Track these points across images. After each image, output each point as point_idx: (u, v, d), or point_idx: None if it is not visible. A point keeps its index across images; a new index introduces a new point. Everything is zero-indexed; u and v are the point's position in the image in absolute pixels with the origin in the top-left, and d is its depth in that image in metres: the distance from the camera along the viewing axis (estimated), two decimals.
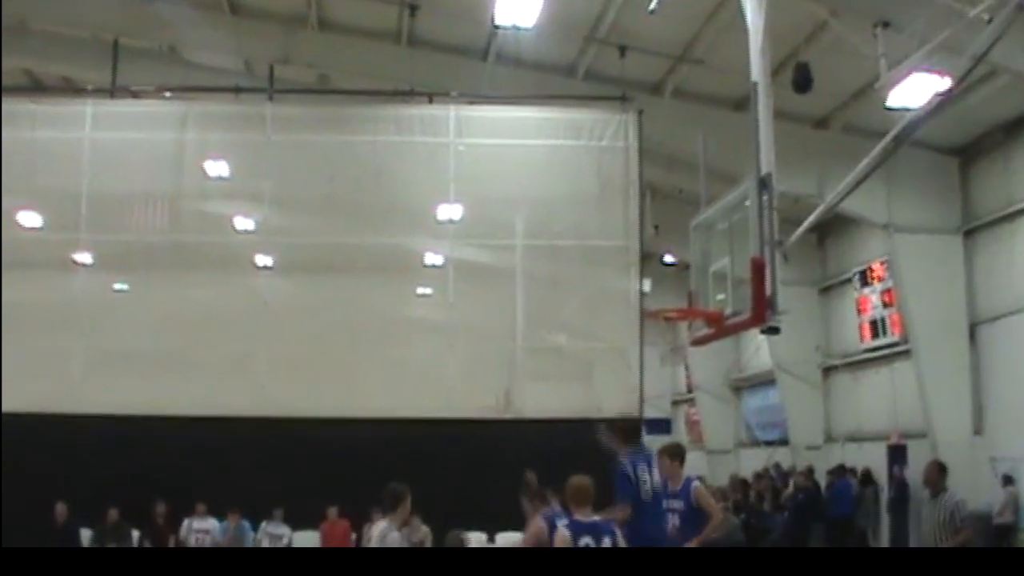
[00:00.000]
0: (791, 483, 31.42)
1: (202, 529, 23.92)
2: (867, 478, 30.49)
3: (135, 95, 26.19)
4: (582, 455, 21.64)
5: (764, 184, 17.22)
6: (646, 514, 14.89)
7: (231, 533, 23.48)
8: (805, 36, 23.84)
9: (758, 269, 17.00)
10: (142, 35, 28.41)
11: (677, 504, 15.59)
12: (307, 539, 23.27)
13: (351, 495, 22.81)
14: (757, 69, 17.89)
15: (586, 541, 11.94)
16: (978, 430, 28.27)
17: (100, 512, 23.28)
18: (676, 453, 16.10)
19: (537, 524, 14.74)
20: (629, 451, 15.50)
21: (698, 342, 22.12)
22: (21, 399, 22.85)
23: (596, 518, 12.23)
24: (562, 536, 12.12)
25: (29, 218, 25.65)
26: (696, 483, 15.96)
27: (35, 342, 23.97)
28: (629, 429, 16.46)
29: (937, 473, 18.54)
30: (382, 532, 13.07)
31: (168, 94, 26.12)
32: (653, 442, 41.14)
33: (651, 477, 15.21)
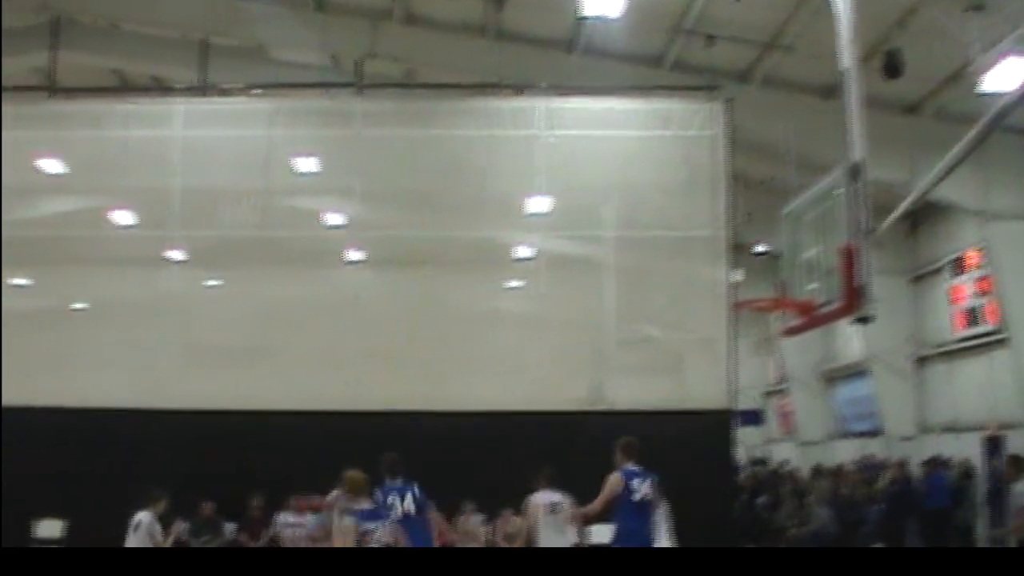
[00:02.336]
0: (884, 475, 31.10)
1: (297, 523, 24.03)
2: (967, 471, 30.11)
3: (224, 93, 26.37)
4: (674, 446, 21.73)
5: (855, 172, 17.09)
6: (632, 519, 16.42)
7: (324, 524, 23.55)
8: (895, 21, 23.60)
9: (849, 258, 16.88)
10: (230, 33, 28.70)
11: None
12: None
13: (442, 488, 22.87)
14: (847, 56, 17.74)
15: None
16: None
17: (195, 506, 23.48)
18: (625, 446, 17.27)
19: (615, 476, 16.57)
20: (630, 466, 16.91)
21: (789, 332, 22.00)
22: (115, 394, 23.15)
23: None
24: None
25: (122, 216, 25.93)
26: (614, 473, 16.95)
27: (129, 338, 24.26)
28: (634, 446, 17.18)
29: (1012, 465, 18.56)
30: None
31: (257, 91, 26.26)
32: (745, 434, 41.11)
33: (643, 488, 16.74)
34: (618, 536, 16.57)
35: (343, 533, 12.76)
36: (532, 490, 19.25)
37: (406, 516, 16.83)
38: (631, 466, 16.95)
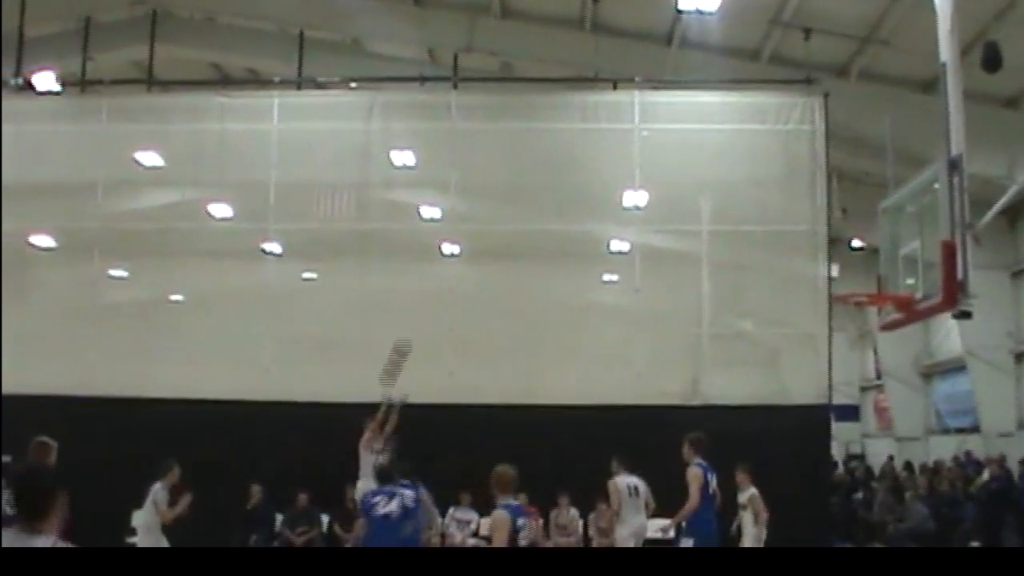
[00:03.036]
0: (983, 472, 30.83)
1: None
2: None
3: (321, 86, 26.62)
4: (770, 441, 21.68)
5: (954, 166, 16.93)
6: (707, 510, 17.48)
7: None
8: (994, 14, 23.38)
9: (949, 252, 16.73)
10: (327, 27, 28.87)
11: None
12: None
13: (538, 481, 22.94)
14: (945, 49, 17.58)
15: None
16: None
17: (291, 497, 23.70)
18: (695, 441, 17.99)
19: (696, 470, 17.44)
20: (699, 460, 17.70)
21: (888, 327, 21.80)
22: (214, 385, 23.42)
23: None
24: None
25: (220, 209, 26.21)
26: (693, 467, 17.70)
27: (227, 330, 24.53)
28: (702, 441, 17.92)
29: None
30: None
31: (353, 85, 26.46)
32: (842, 429, 40.89)
33: (713, 482, 17.68)
34: (695, 527, 17.37)
35: (498, 527, 12.85)
36: (613, 475, 20.14)
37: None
38: (701, 460, 17.71)
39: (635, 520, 19.94)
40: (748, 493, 19.85)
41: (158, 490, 18.82)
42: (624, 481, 20.18)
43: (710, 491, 17.50)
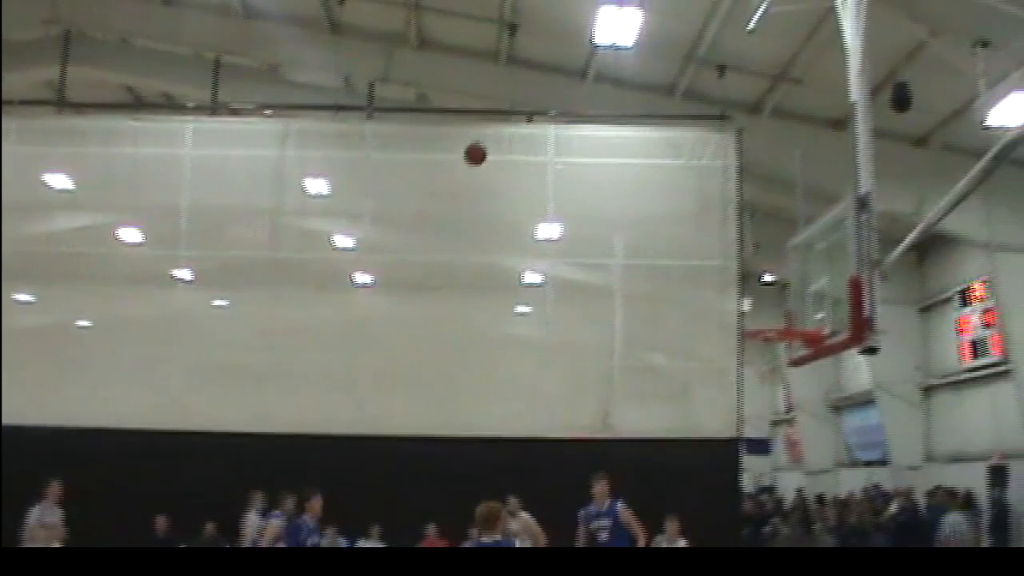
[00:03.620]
0: (892, 504, 31.10)
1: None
2: (967, 501, 30.10)
3: (236, 112, 26.48)
4: (680, 474, 21.80)
5: (863, 203, 17.17)
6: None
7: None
8: (904, 55, 23.69)
9: (857, 289, 16.94)
10: (243, 53, 28.79)
11: (605, 522, 18.25)
12: None
13: (449, 513, 22.91)
14: (856, 88, 17.83)
15: None
16: None
17: (198, 526, 23.49)
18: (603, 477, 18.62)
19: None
20: None
21: (797, 362, 22.02)
22: (123, 414, 23.18)
23: None
24: None
25: (130, 234, 25.98)
26: (620, 503, 18.31)
27: (136, 357, 24.32)
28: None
29: (944, 496, 19.27)
30: None
31: (268, 112, 26.35)
32: (752, 463, 41.11)
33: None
34: None
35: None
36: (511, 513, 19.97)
37: None
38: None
39: None
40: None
41: (38, 511, 18.82)
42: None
43: None
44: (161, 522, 23.15)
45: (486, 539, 12.71)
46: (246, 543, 21.38)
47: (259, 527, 20.90)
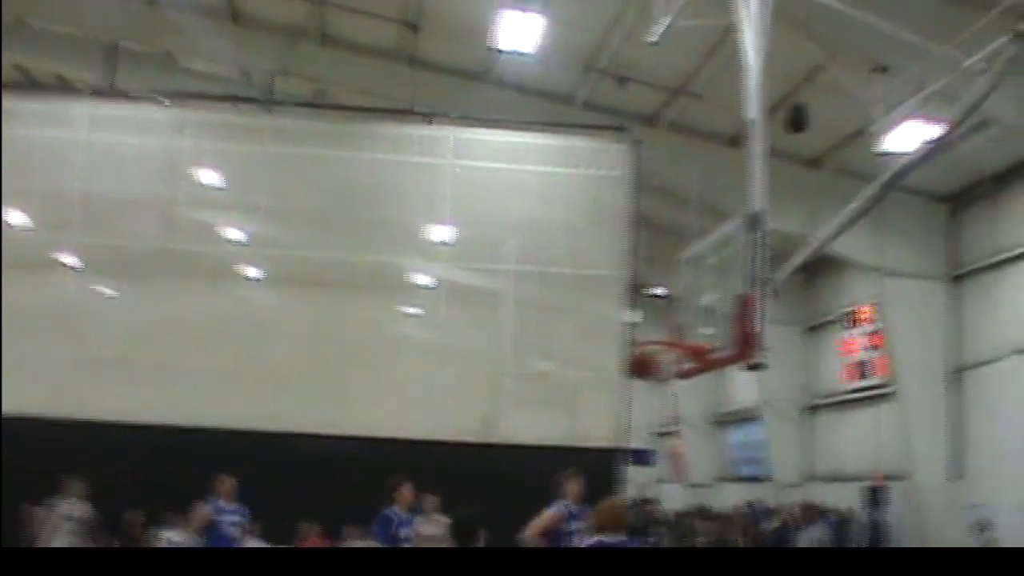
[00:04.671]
0: (771, 519, 31.41)
1: (179, 543, 23.76)
2: (846, 518, 30.47)
3: (132, 99, 26.13)
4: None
5: (755, 221, 17.27)
6: None
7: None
8: (803, 77, 23.97)
9: (745, 305, 17.04)
10: (142, 39, 28.51)
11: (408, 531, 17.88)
12: None
13: (331, 512, 22.82)
14: (753, 107, 17.94)
15: None
16: (957, 475, 28.36)
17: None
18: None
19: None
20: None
21: (683, 375, 22.12)
22: (5, 402, 22.79)
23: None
24: None
25: (18, 217, 25.57)
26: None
27: (21, 344, 23.90)
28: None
29: (805, 510, 19.81)
30: None
31: (165, 100, 26.06)
32: (636, 473, 41.31)
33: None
34: None
35: None
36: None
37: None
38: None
39: None
40: None
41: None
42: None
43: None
44: (35, 513, 22.76)
45: (608, 538, 11.60)
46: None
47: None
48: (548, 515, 16.58)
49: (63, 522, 19.90)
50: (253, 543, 20.87)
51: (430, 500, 19.10)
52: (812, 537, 21.72)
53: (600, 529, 11.73)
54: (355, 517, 23.39)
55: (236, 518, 18.52)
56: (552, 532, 16.44)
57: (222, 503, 18.42)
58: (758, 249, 17.24)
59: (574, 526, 17.81)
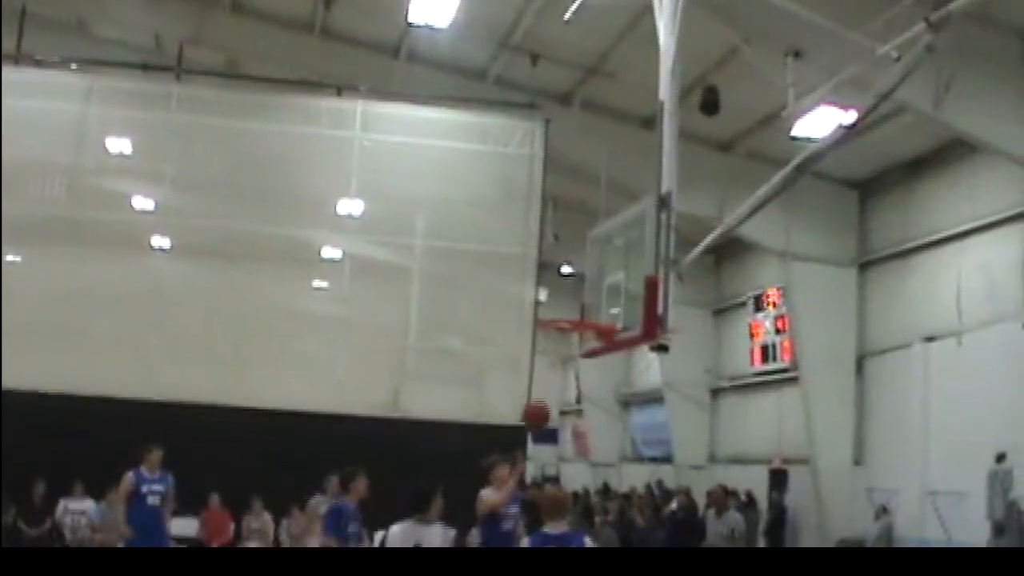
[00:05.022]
0: (672, 501, 31.55)
1: (78, 510, 23.61)
2: (748, 502, 30.65)
3: (39, 64, 25.78)
4: (466, 458, 21.76)
5: (664, 202, 17.26)
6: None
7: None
8: (716, 60, 23.96)
9: (651, 287, 17.04)
10: (50, 3, 28.07)
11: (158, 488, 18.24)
12: (187, 526, 22.80)
13: (233, 484, 22.72)
14: (666, 88, 17.93)
15: None
16: (859, 460, 28.62)
17: None
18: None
19: None
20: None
21: (588, 355, 22.16)
22: None
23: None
24: None
25: None
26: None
27: None
28: None
29: (722, 495, 20.10)
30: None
31: (74, 66, 25.75)
32: (539, 452, 41.27)
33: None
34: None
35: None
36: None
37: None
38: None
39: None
40: None
41: None
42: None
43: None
44: None
45: (551, 530, 11.56)
46: None
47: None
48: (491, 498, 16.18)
49: None
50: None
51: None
52: (730, 522, 21.82)
53: (544, 520, 11.71)
54: (257, 490, 23.38)
55: (159, 487, 18.26)
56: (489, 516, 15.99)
57: (144, 472, 18.15)
58: (666, 231, 17.23)
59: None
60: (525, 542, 12.03)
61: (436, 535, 12.77)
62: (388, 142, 25.27)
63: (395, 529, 12.86)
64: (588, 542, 11.93)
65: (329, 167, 25.20)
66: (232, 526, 23.73)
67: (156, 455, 18.24)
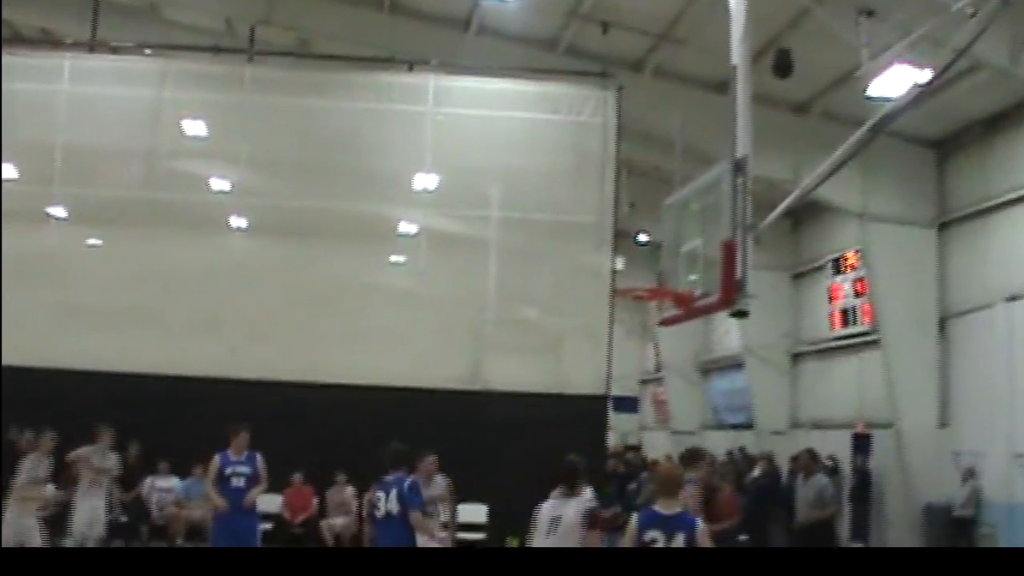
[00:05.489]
0: (755, 467, 31.46)
1: (165, 488, 23.94)
2: (832, 467, 30.50)
3: (114, 51, 26.05)
4: (547, 428, 21.83)
5: (739, 167, 17.19)
6: None
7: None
8: (788, 21, 23.78)
9: (729, 252, 16.99)
10: None
11: (244, 469, 18.14)
12: (270, 502, 22.95)
13: (317, 460, 22.92)
14: (738, 52, 17.84)
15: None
16: (943, 423, 28.37)
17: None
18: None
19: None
20: None
21: (667, 322, 22.10)
22: None
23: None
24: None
25: (4, 170, 25.50)
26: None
27: (7, 295, 23.86)
28: None
29: (809, 459, 19.92)
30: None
31: (148, 51, 25.98)
32: (620, 420, 41.29)
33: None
34: None
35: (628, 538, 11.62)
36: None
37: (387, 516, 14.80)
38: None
39: None
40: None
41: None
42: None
43: None
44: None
45: (663, 509, 11.36)
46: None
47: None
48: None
49: (91, 471, 19.99)
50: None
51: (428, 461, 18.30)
52: (817, 486, 21.77)
53: (657, 498, 11.65)
54: (340, 465, 23.55)
55: (244, 468, 18.25)
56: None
57: (231, 455, 18.18)
58: (741, 195, 17.16)
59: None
60: (634, 519, 11.58)
61: (571, 508, 12.79)
62: (461, 116, 25.30)
63: (545, 505, 12.96)
64: (701, 528, 11.51)
65: (403, 142, 25.26)
66: (315, 501, 23.94)
67: (243, 437, 18.26)
